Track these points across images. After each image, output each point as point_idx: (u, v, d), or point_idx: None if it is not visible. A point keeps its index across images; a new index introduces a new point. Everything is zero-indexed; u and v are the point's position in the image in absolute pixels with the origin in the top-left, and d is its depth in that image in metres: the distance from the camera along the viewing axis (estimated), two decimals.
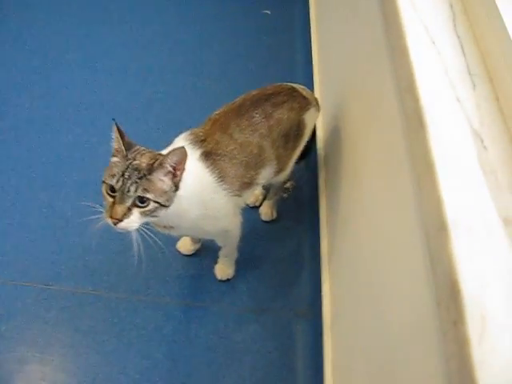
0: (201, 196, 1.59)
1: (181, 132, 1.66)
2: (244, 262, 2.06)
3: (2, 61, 2.69)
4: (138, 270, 2.01)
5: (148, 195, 1.37)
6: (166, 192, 1.41)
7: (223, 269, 2.03)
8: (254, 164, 1.71)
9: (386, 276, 1.30)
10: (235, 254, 2.00)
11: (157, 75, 2.71)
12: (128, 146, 1.43)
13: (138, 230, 1.42)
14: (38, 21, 2.90)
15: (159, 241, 1.48)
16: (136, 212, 1.39)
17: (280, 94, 1.80)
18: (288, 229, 2.21)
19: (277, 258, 2.12)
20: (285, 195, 2.21)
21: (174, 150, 1.38)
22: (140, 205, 1.38)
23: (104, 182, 1.41)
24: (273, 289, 2.04)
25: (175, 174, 1.43)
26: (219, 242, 1.91)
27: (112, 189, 1.38)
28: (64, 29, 2.87)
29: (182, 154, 1.39)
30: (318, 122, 2.24)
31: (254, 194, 2.20)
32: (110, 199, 1.39)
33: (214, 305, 1.99)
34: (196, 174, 1.55)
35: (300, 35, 2.94)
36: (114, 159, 1.43)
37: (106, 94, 2.59)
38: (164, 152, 1.51)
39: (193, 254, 2.09)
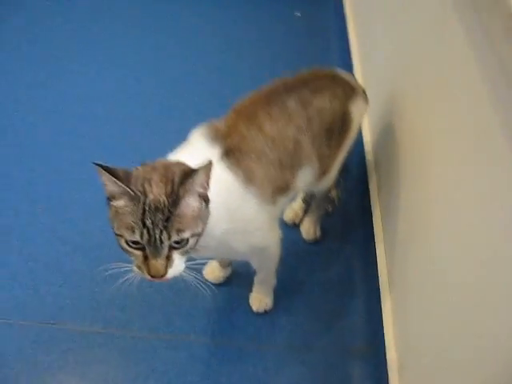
0: (226, 205, 1.25)
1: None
2: (284, 292, 1.72)
3: (5, 75, 2.42)
4: (157, 303, 1.70)
5: (185, 235, 1.10)
6: (199, 216, 1.13)
7: (259, 298, 1.68)
8: (290, 163, 1.38)
9: (474, 300, 0.95)
10: (274, 281, 1.65)
11: (177, 83, 2.42)
12: (128, 181, 1.09)
13: None
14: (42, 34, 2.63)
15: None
16: (177, 255, 1.13)
17: (320, 78, 1.50)
18: (335, 250, 1.87)
19: (323, 286, 1.77)
20: (330, 209, 1.85)
21: (200, 168, 1.08)
22: (178, 246, 1.11)
23: (120, 235, 1.10)
24: (320, 323, 1.69)
25: (203, 191, 1.13)
26: (254, 264, 1.55)
27: (135, 241, 1.10)
28: (66, 42, 2.61)
29: (208, 170, 1.10)
30: (364, 121, 1.92)
31: (292, 209, 1.87)
32: (138, 253, 1.11)
33: (249, 344, 1.63)
34: (218, 178, 1.20)
35: (336, 37, 2.63)
36: (119, 204, 1.10)
37: (117, 106, 2.30)
38: (178, 156, 1.22)
39: (223, 283, 1.74)
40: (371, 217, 1.79)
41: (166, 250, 1.10)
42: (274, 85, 1.44)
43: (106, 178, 1.07)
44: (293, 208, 1.87)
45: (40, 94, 2.32)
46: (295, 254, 1.82)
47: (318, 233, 1.86)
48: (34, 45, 2.56)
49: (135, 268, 1.13)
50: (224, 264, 1.71)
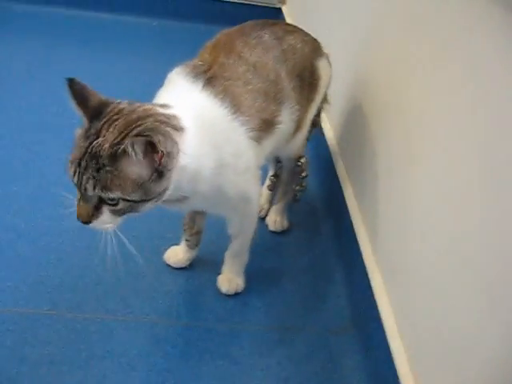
0: (211, 140, 1.15)
1: None
2: (254, 276, 1.57)
3: None
4: (113, 285, 1.50)
5: (110, 195, 1.00)
6: (141, 186, 1.02)
7: (230, 278, 1.51)
8: (274, 95, 1.31)
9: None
10: (246, 256, 1.50)
11: None
12: (98, 112, 1.03)
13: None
14: None
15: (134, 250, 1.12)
16: (106, 211, 1.04)
17: (289, 25, 1.54)
18: (306, 239, 1.75)
19: (296, 271, 1.64)
20: (298, 192, 1.71)
21: (154, 134, 0.98)
22: (108, 202, 1.03)
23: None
24: (296, 304, 1.53)
25: (157, 161, 1.02)
26: (233, 226, 1.41)
27: None
28: None
29: (158, 136, 0.99)
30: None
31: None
32: (78, 192, 1.05)
33: (221, 324, 1.44)
34: (200, 110, 1.14)
35: None
36: (78, 132, 1.05)
37: None
38: (161, 99, 1.17)
39: (187, 267, 1.56)
40: (343, 197, 1.69)
41: (93, 200, 1.03)
42: (244, 24, 1.41)
43: (71, 101, 1.02)
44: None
45: None
46: (264, 245, 1.67)
47: (286, 223, 1.73)
48: None
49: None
50: (188, 246, 1.55)
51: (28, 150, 1.93)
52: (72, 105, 1.03)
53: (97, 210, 1.04)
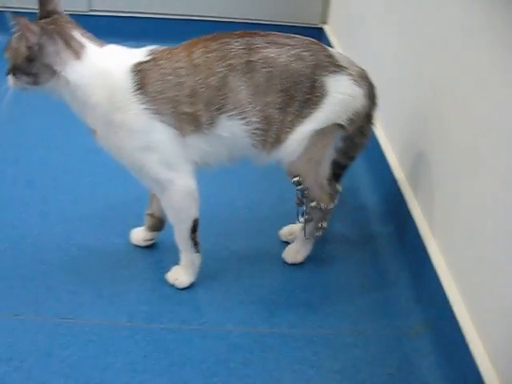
0: (108, 96, 1.36)
1: None
2: (323, 284, 1.62)
3: None
4: (187, 297, 1.56)
5: (6, 54, 1.35)
6: (16, 56, 1.33)
7: (177, 270, 1.57)
8: (208, 99, 1.37)
9: None
10: (192, 255, 1.54)
11: None
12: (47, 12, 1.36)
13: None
14: None
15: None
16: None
17: (287, 37, 1.43)
18: (368, 246, 1.78)
19: (362, 277, 1.68)
20: (319, 227, 1.61)
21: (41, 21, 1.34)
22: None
23: None
24: (366, 309, 1.56)
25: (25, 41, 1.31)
26: (161, 203, 1.52)
27: None
28: None
29: (21, 20, 1.29)
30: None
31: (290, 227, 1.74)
32: None
33: (294, 330, 1.47)
34: (115, 72, 1.37)
35: None
36: None
37: None
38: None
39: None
40: (403, 202, 1.72)
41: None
42: (234, 31, 1.43)
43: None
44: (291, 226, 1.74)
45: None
46: (328, 253, 1.72)
47: (299, 257, 1.66)
48: None
49: None
50: (147, 224, 1.66)
51: (92, 173, 2.02)
52: None
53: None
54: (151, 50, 1.40)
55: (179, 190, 1.43)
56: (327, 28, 2.90)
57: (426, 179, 1.65)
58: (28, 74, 1.34)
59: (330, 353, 1.41)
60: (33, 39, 1.30)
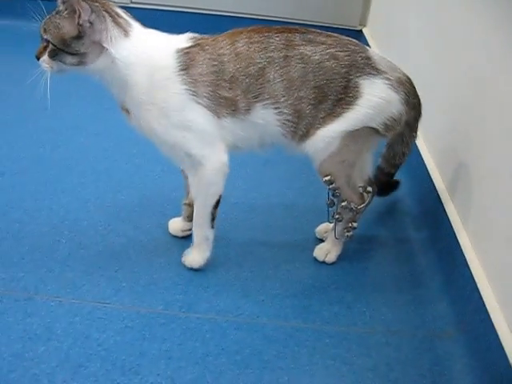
0: (148, 77, 1.39)
1: None
2: (357, 283, 1.64)
3: None
4: (223, 288, 1.57)
5: (45, 35, 1.35)
6: (63, 36, 1.33)
7: (190, 251, 1.61)
8: (247, 86, 1.41)
9: None
10: (206, 231, 1.56)
11: None
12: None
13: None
14: None
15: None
16: (46, 52, 1.36)
17: (326, 36, 1.45)
18: (402, 247, 1.79)
19: (395, 278, 1.68)
20: (350, 227, 1.63)
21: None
22: (46, 44, 1.36)
23: None
24: (399, 310, 1.56)
25: (77, 17, 1.32)
26: (191, 181, 1.54)
27: None
28: None
29: (84, 3, 1.31)
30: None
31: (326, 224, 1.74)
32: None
33: (328, 326, 1.48)
34: (160, 53, 1.41)
35: None
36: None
37: None
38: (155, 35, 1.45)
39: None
40: (438, 203, 1.73)
41: (43, 42, 1.36)
42: (278, 26, 1.47)
43: None
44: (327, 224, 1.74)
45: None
46: (362, 252, 1.74)
47: (331, 257, 1.68)
48: None
49: None
50: (184, 214, 1.69)
51: (130, 161, 2.05)
52: None
53: (44, 50, 1.36)
54: (193, 37, 1.44)
55: (213, 165, 1.46)
56: (366, 30, 2.91)
57: (463, 184, 1.65)
58: (74, 53, 1.35)
59: (363, 351, 1.42)
60: (84, 16, 1.31)
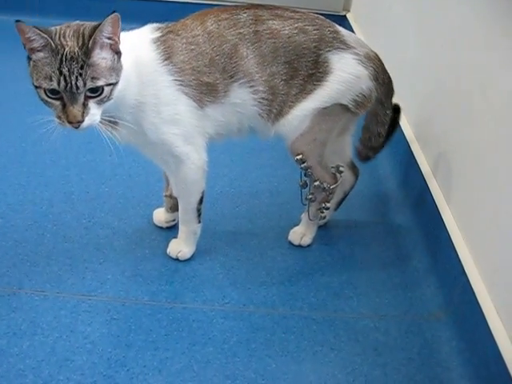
0: (138, 75, 1.33)
1: None
2: (344, 267, 1.63)
3: None
4: (209, 277, 1.57)
5: (99, 82, 1.21)
6: (112, 67, 1.23)
7: (177, 243, 1.61)
8: (223, 66, 1.39)
9: None
10: (194, 226, 1.57)
11: None
12: (48, 34, 1.19)
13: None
14: None
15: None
16: (93, 104, 1.22)
17: (293, 11, 1.45)
18: (389, 230, 1.79)
19: (383, 262, 1.67)
20: (322, 206, 1.61)
21: (106, 19, 1.18)
22: (93, 95, 1.21)
23: (38, 87, 1.21)
24: (387, 294, 1.56)
25: (113, 43, 1.23)
26: (171, 181, 1.54)
27: (53, 91, 1.20)
28: None
29: (114, 21, 1.19)
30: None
31: None
32: (57, 102, 1.22)
33: (315, 313, 1.48)
34: (138, 50, 1.34)
35: None
36: (38, 56, 1.20)
37: None
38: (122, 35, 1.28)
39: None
40: (425, 188, 1.72)
41: (82, 97, 1.19)
42: (244, 4, 1.46)
43: (31, 32, 1.16)
44: None
45: None
46: (350, 236, 1.74)
47: (306, 240, 1.68)
48: None
49: (56, 119, 1.23)
50: (166, 205, 1.68)
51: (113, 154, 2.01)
52: (31, 35, 1.17)
53: (85, 107, 1.21)
54: (158, 26, 1.40)
55: (194, 163, 1.45)
56: (350, 16, 2.89)
57: (447, 165, 1.65)
58: (118, 80, 1.25)
59: (350, 336, 1.42)
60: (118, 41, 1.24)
